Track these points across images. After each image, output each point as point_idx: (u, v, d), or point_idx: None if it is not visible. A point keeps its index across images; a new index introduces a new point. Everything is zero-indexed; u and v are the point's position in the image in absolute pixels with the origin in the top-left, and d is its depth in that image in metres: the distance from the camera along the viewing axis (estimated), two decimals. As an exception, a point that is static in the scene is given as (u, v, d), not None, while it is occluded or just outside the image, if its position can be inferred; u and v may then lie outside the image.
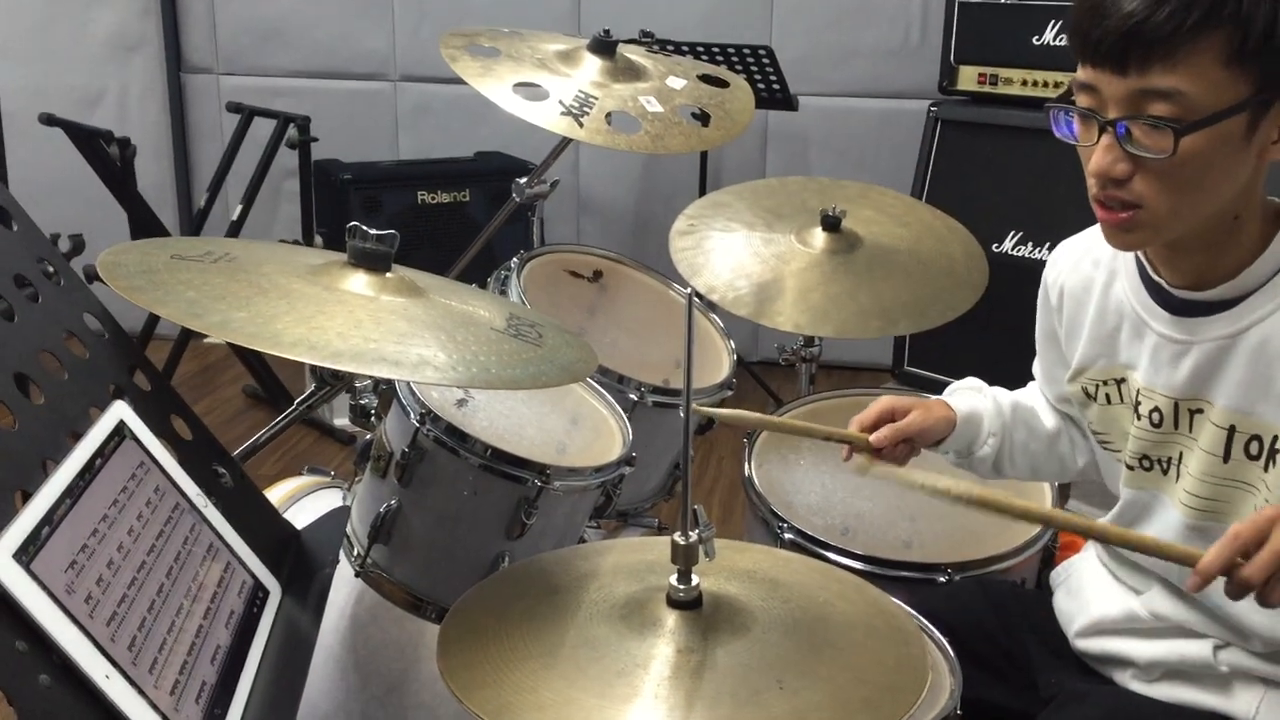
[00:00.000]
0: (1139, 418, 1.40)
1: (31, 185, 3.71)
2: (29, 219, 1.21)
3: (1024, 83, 3.44)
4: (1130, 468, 1.43)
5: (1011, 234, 3.39)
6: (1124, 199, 1.25)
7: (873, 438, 1.51)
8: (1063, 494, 1.94)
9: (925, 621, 1.47)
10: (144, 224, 3.70)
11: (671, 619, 1.12)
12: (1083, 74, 1.24)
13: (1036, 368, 1.65)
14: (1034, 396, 1.67)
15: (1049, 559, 1.87)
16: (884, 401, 1.55)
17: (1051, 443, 1.63)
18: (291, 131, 3.81)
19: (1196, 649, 1.38)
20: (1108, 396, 1.46)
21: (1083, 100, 1.26)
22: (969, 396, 1.63)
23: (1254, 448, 1.30)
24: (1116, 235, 1.30)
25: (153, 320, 3.76)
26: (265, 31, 4.52)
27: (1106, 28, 1.19)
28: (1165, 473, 1.40)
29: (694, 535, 1.13)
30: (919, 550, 1.95)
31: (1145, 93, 1.19)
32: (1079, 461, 1.62)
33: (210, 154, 4.51)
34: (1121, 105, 1.21)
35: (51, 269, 1.20)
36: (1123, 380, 1.43)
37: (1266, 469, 1.29)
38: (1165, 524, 1.40)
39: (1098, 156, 1.24)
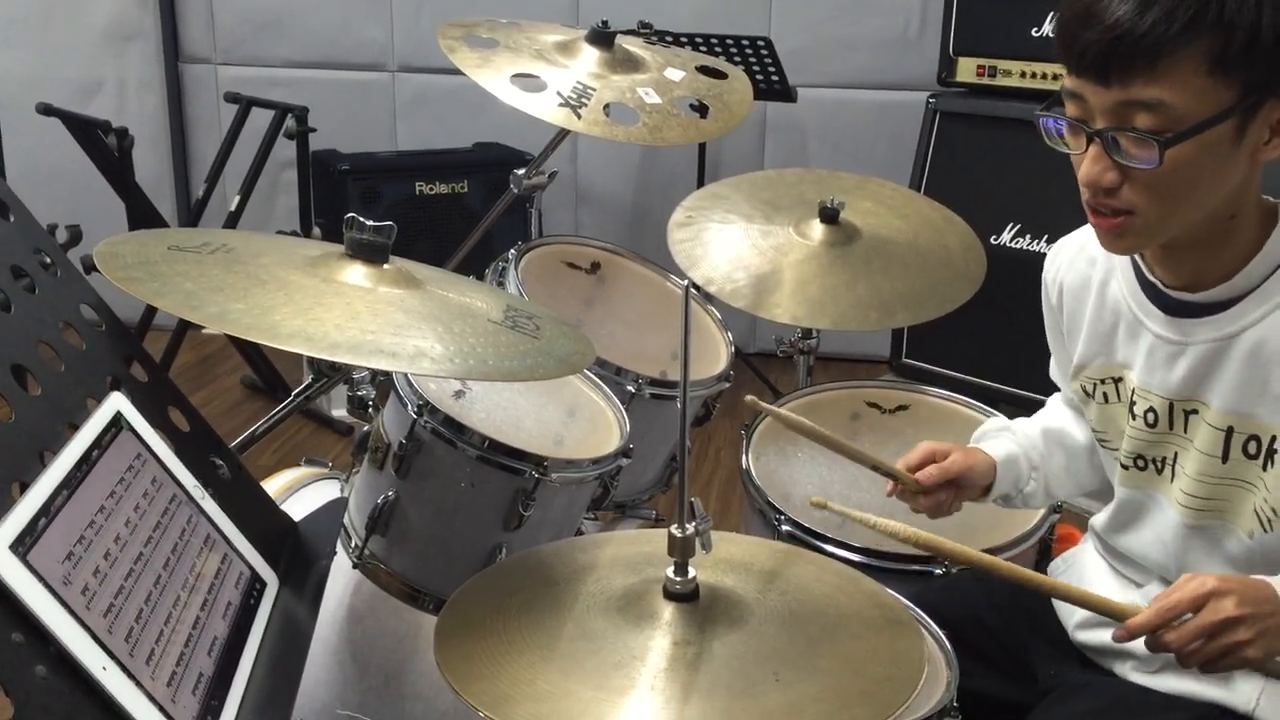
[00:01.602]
0: (1134, 417, 1.40)
1: (29, 175, 3.71)
2: (26, 210, 1.21)
3: (1023, 74, 3.44)
4: (1125, 467, 1.43)
5: (1010, 226, 3.38)
6: (1115, 206, 1.25)
7: (919, 475, 1.52)
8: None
9: (922, 614, 1.47)
10: (142, 215, 3.69)
11: (668, 611, 1.12)
12: (1069, 83, 1.25)
13: (1054, 370, 1.64)
14: (1060, 413, 1.66)
15: (1046, 551, 1.87)
16: (925, 446, 1.56)
17: (1089, 455, 1.62)
18: (289, 122, 3.80)
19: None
20: (1105, 395, 1.46)
21: (1071, 109, 1.26)
22: (1000, 440, 1.63)
23: (1252, 447, 1.30)
24: (1110, 240, 1.30)
25: (150, 311, 3.75)
26: (263, 21, 4.51)
27: (1088, 39, 1.19)
28: (1160, 472, 1.40)
29: (691, 528, 1.13)
30: (916, 543, 1.95)
31: (1129, 104, 1.19)
32: None
33: (208, 144, 4.50)
34: (1107, 116, 1.21)
35: (49, 260, 1.20)
36: (1120, 379, 1.43)
37: (1265, 468, 1.29)
38: (1163, 524, 1.40)
39: (1086, 166, 1.24)
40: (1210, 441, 1.33)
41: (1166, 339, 1.35)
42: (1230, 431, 1.31)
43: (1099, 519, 1.52)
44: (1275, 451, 1.28)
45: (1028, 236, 3.35)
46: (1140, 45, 1.16)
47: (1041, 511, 1.88)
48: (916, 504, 1.55)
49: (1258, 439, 1.29)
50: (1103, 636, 1.48)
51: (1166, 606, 1.19)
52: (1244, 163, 1.23)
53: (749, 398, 1.50)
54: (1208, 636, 1.18)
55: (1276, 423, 1.28)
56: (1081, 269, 1.48)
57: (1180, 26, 1.15)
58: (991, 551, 1.76)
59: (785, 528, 1.82)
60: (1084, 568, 1.56)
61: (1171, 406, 1.36)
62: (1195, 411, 1.34)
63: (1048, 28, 3.36)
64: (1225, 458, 1.32)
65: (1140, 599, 1.43)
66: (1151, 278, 1.37)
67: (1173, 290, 1.34)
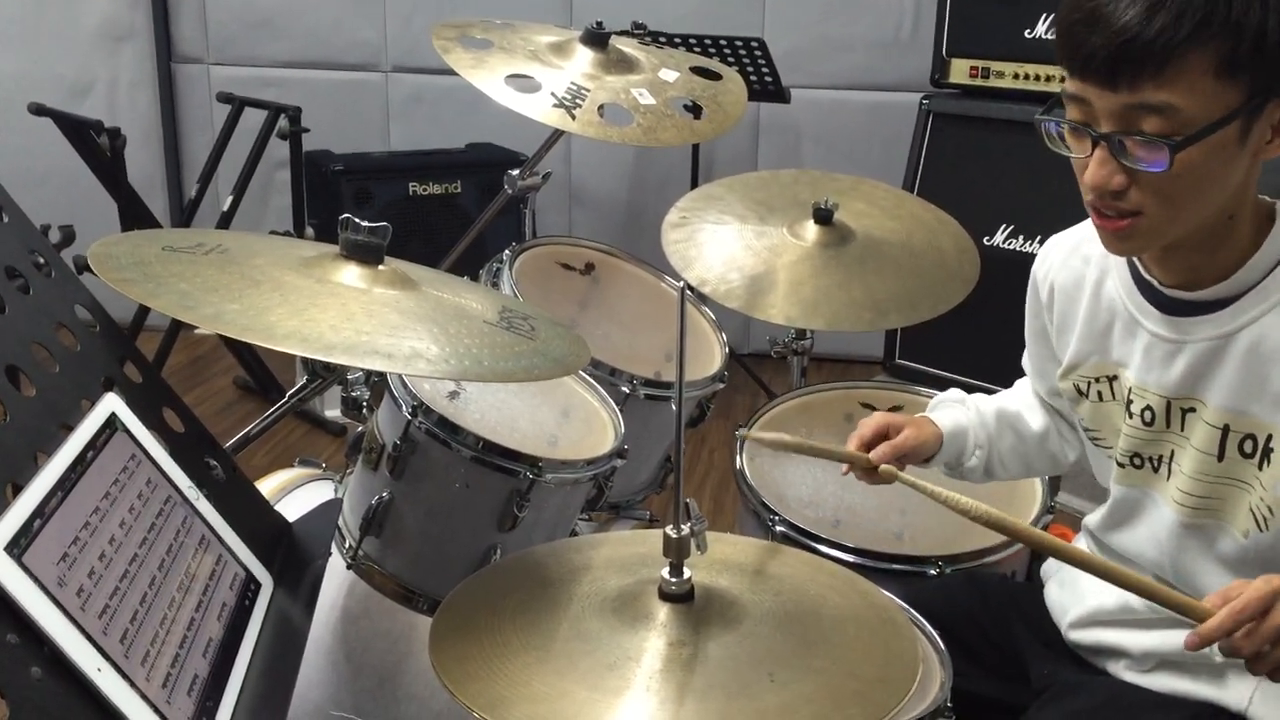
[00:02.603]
0: (1130, 416, 1.40)
1: (21, 176, 3.70)
2: (20, 210, 1.21)
3: (1016, 76, 3.44)
4: (1121, 465, 1.43)
5: (1003, 227, 3.39)
6: (1122, 208, 1.25)
7: (872, 455, 1.52)
8: (1053, 487, 1.94)
9: (916, 614, 1.47)
10: (134, 215, 3.68)
11: (663, 612, 1.12)
12: (1072, 86, 1.24)
13: (1027, 362, 1.65)
14: (1019, 398, 1.67)
15: (1039, 551, 1.87)
16: (877, 419, 1.57)
17: (1041, 442, 1.64)
18: (282, 122, 3.79)
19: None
20: (1100, 394, 1.46)
21: (1073, 113, 1.25)
22: (952, 411, 1.65)
23: (1248, 446, 1.30)
24: (1115, 242, 1.30)
25: (143, 311, 3.74)
26: (256, 21, 4.50)
27: (1096, 43, 1.18)
28: (1156, 471, 1.40)
29: (686, 528, 1.13)
30: (910, 543, 1.96)
31: (1137, 107, 1.19)
32: (1070, 456, 1.63)
33: (201, 144, 4.49)
34: (1114, 119, 1.21)
35: (42, 260, 1.20)
36: (1115, 378, 1.44)
37: (1261, 467, 1.29)
38: (1158, 522, 1.40)
39: (1093, 170, 1.24)
40: (1207, 440, 1.33)
41: (1163, 337, 1.35)
42: (1226, 430, 1.31)
43: (1093, 518, 1.52)
44: (1271, 450, 1.28)
45: (1021, 237, 3.36)
46: (1149, 50, 1.15)
47: (1035, 512, 1.88)
48: (871, 479, 1.54)
49: (1254, 438, 1.29)
50: (1096, 636, 1.49)
51: (1236, 609, 1.15)
52: (1246, 162, 1.23)
53: (739, 430, 1.59)
54: (1275, 640, 1.14)
55: (1273, 421, 1.28)
56: (1076, 267, 1.48)
57: (1188, 31, 1.14)
58: (985, 551, 1.78)
59: (779, 528, 1.82)
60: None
61: (1169, 405, 1.36)
62: (1192, 410, 1.35)
63: (1041, 29, 3.36)
64: (1221, 456, 1.32)
65: (1134, 598, 1.43)
66: (1148, 276, 1.37)
67: (1169, 289, 1.35)
